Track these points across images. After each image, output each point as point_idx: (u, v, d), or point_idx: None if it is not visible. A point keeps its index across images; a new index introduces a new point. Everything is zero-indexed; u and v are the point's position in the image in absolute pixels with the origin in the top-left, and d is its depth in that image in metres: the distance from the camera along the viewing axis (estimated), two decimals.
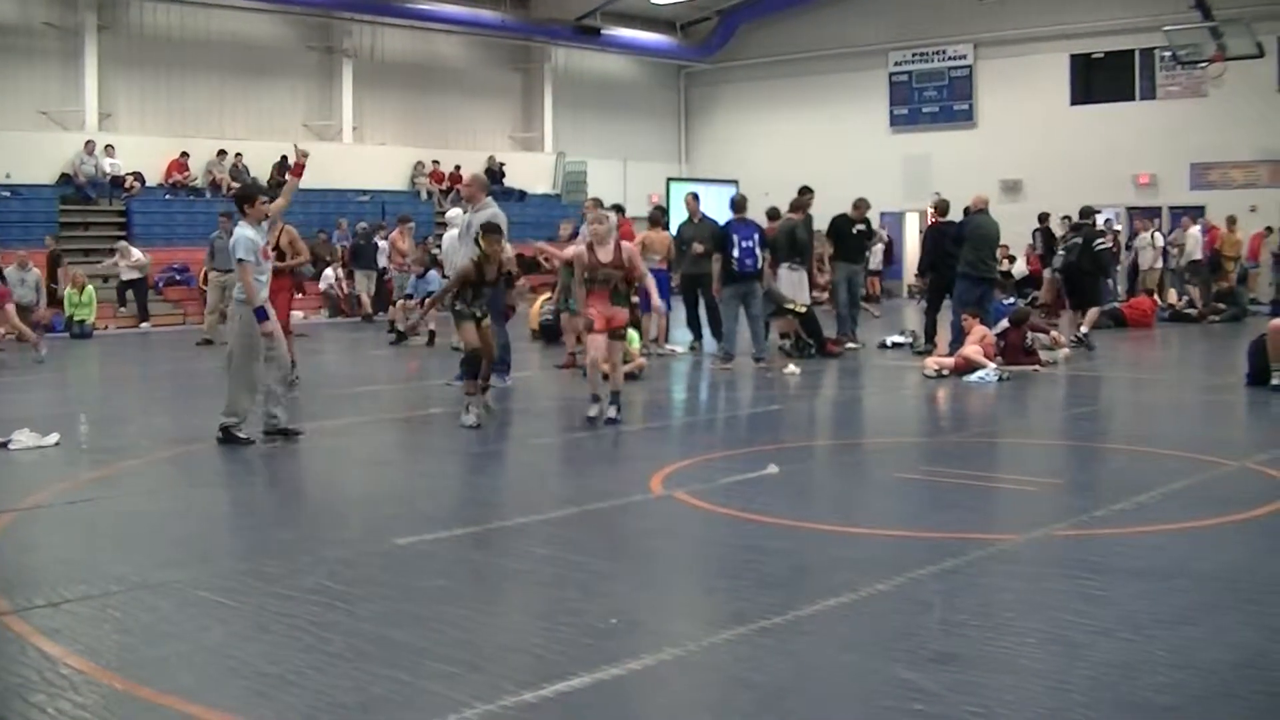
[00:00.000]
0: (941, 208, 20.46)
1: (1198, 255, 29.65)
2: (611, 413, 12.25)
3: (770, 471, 9.56)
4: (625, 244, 12.38)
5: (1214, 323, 26.87)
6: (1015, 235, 28.58)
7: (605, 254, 12.18)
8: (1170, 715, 4.83)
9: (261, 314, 11.20)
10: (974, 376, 15.97)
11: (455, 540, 7.79)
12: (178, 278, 29.82)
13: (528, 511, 8.52)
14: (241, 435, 11.27)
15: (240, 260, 11.21)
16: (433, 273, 22.72)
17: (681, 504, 8.79)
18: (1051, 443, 11.85)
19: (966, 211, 19.34)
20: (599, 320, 12.17)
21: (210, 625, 6.05)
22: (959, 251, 18.70)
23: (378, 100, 36.46)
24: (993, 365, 16.23)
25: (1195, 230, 30.22)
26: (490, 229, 12.54)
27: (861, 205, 21.25)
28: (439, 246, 22.68)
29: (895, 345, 20.61)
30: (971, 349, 16.53)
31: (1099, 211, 27.42)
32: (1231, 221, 30.91)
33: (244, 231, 11.32)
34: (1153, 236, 30.15)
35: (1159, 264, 30.01)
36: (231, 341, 11.53)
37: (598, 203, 19.15)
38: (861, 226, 21.26)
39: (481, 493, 9.91)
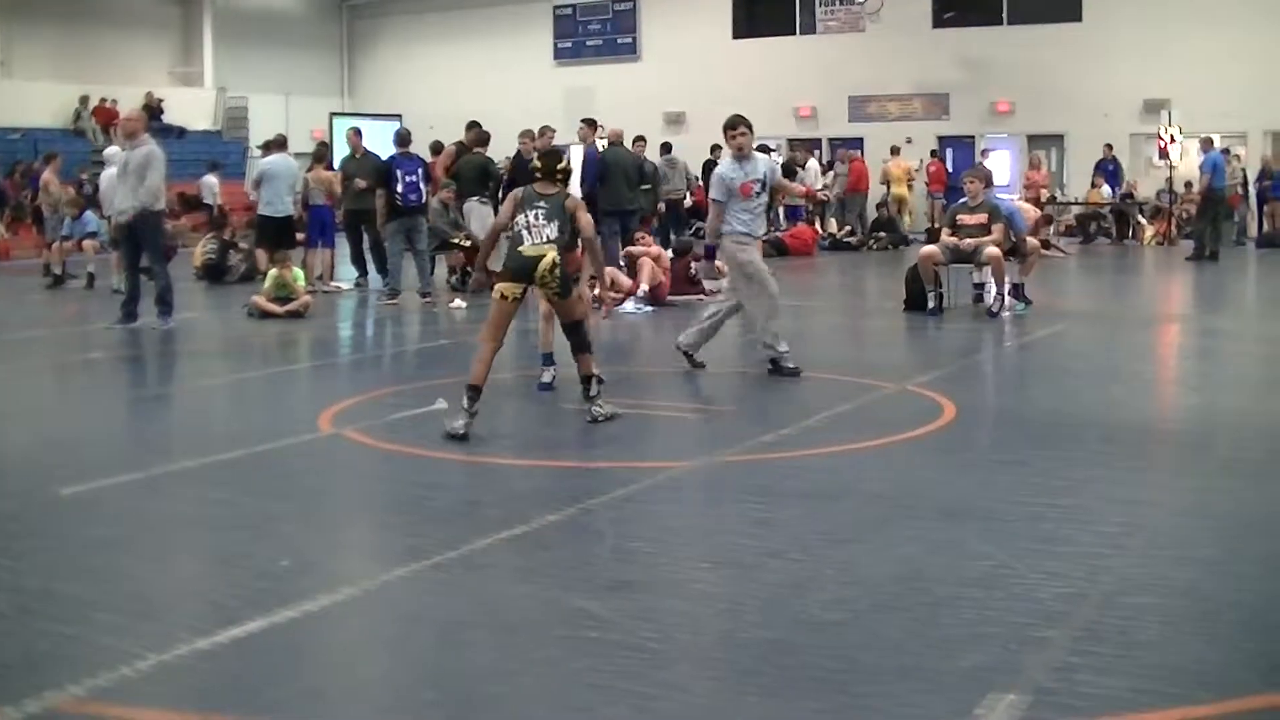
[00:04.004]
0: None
1: (818, 186, 30.76)
2: (547, 377, 10.75)
3: (439, 407, 9.57)
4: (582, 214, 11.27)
5: (873, 250, 27.93)
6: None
7: None
8: (839, 630, 5.06)
9: None
10: (623, 308, 16.30)
11: (122, 487, 7.58)
12: None
13: (195, 455, 8.33)
14: None
15: None
16: (89, 213, 21.89)
17: (351, 442, 8.75)
18: (721, 371, 12.16)
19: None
20: None
21: None
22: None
23: (29, 32, 34.72)
24: (640, 291, 16.58)
25: (813, 163, 31.31)
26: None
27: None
28: (94, 185, 21.86)
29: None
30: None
31: (772, 148, 28.24)
32: (895, 151, 32.06)
33: None
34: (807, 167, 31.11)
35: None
36: None
37: (591, 124, 19.48)
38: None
39: (147, 438, 9.65)
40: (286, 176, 19.59)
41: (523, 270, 8.91)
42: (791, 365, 11.17)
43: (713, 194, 11.38)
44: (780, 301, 11.41)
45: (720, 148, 22.55)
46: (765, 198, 11.48)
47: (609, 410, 9.14)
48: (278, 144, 20.42)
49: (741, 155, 11.26)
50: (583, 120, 20.15)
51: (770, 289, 11.31)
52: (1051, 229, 28.08)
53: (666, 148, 27.84)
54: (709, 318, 11.73)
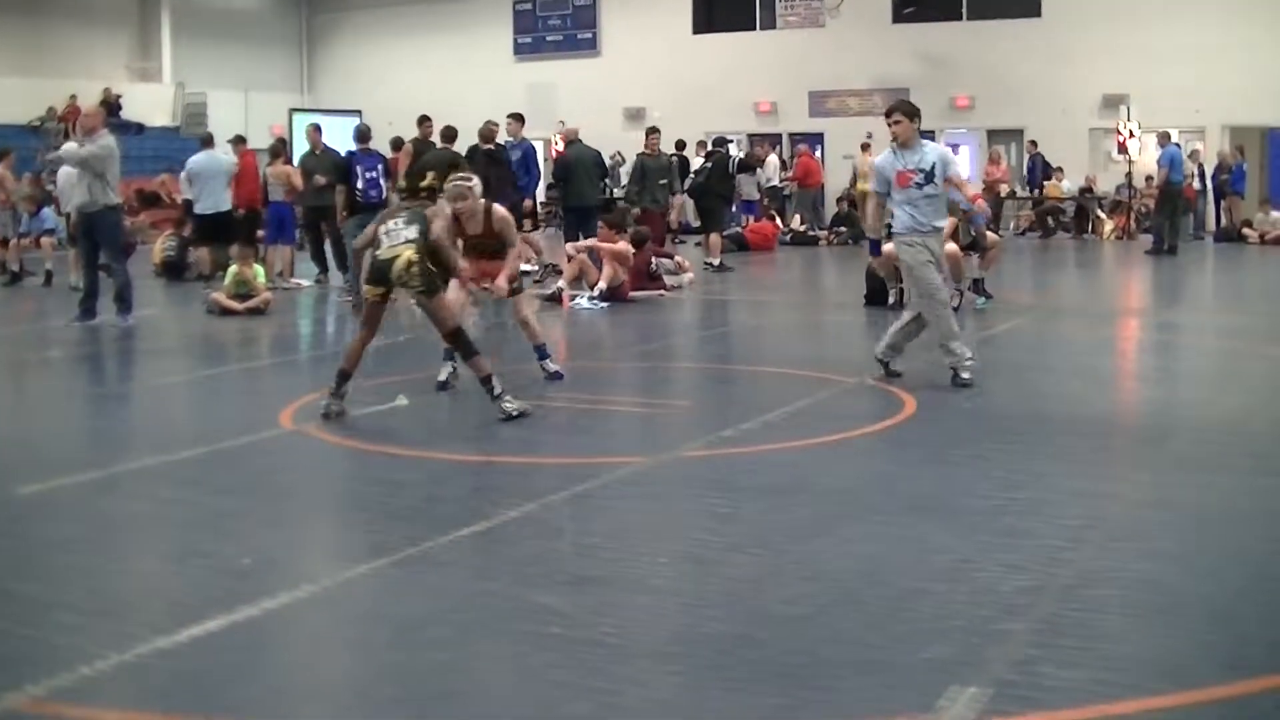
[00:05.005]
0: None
1: (775, 182, 30.86)
2: (550, 366, 10.79)
3: (399, 404, 9.58)
4: (498, 211, 10.69)
5: (833, 245, 28.02)
6: None
7: (474, 225, 10.49)
8: (801, 624, 5.08)
9: None
10: (578, 300, 16.32)
11: (80, 486, 7.53)
12: None
13: (155, 453, 8.30)
14: None
15: None
16: (46, 210, 21.75)
17: (312, 439, 8.73)
18: (679, 365, 12.18)
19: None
20: (470, 269, 10.56)
21: None
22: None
23: None
24: (597, 289, 16.57)
25: (773, 158, 31.43)
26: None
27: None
28: (53, 183, 21.71)
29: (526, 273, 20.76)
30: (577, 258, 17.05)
31: (731, 140, 28.33)
32: (865, 147, 32.12)
33: None
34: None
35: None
36: None
37: (518, 118, 19.54)
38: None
39: (106, 436, 9.59)
40: (216, 173, 19.54)
41: (380, 273, 9.12)
42: (966, 377, 10.24)
43: (870, 185, 11.13)
44: (947, 310, 10.49)
45: (685, 144, 22.72)
46: (933, 189, 10.30)
47: (519, 406, 9.14)
48: (205, 141, 20.41)
49: (902, 144, 10.38)
50: (509, 115, 20.15)
51: (936, 296, 10.40)
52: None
53: (719, 141, 27.05)
54: (900, 327, 10.78)
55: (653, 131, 22.25)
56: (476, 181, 10.52)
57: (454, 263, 9.97)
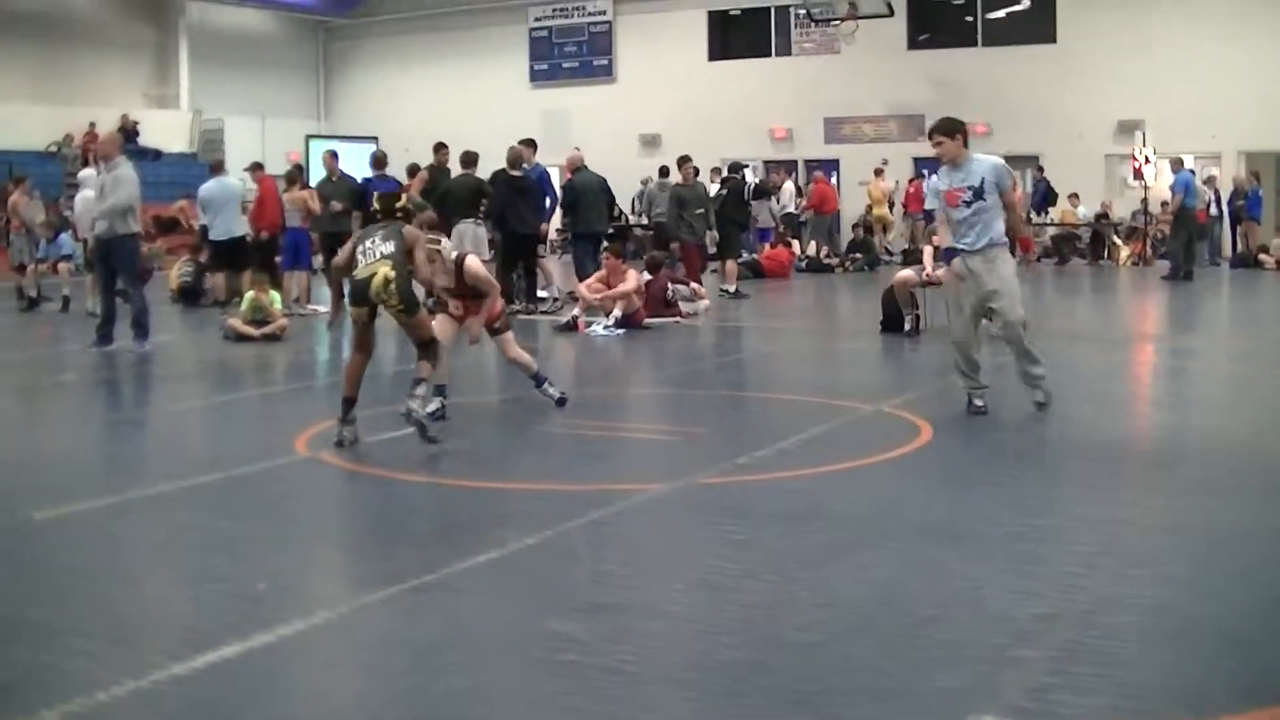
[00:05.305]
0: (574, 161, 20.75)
1: (791, 209, 30.84)
2: (551, 390, 10.67)
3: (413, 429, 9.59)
4: (469, 266, 10.61)
5: (849, 271, 28.02)
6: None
7: (445, 279, 10.50)
8: (815, 651, 5.05)
9: None
10: (593, 328, 16.34)
11: (96, 511, 7.55)
12: None
13: (170, 478, 8.31)
14: None
15: None
16: (64, 235, 21.85)
17: (327, 465, 8.73)
18: (695, 392, 12.15)
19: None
20: (457, 305, 10.66)
21: None
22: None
23: (2, 55, 34.60)
24: (612, 318, 16.58)
25: (788, 185, 31.49)
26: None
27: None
28: (70, 209, 21.83)
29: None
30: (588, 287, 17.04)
31: (747, 166, 28.32)
32: (879, 173, 32.19)
33: None
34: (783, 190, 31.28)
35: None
36: None
37: (530, 144, 19.44)
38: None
39: (121, 461, 9.63)
40: (228, 199, 19.61)
41: (359, 293, 9.06)
42: (980, 404, 10.16)
43: (927, 204, 10.97)
44: (963, 341, 10.21)
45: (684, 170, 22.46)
46: (983, 205, 9.89)
47: (422, 413, 9.04)
48: (215, 167, 20.49)
49: (949, 163, 10.08)
50: (521, 141, 20.04)
51: (954, 324, 10.31)
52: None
53: (734, 168, 26.80)
54: (1016, 361, 10.37)
55: (685, 161, 21.98)
56: (446, 243, 10.64)
57: (430, 283, 10.00)
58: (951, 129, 10.06)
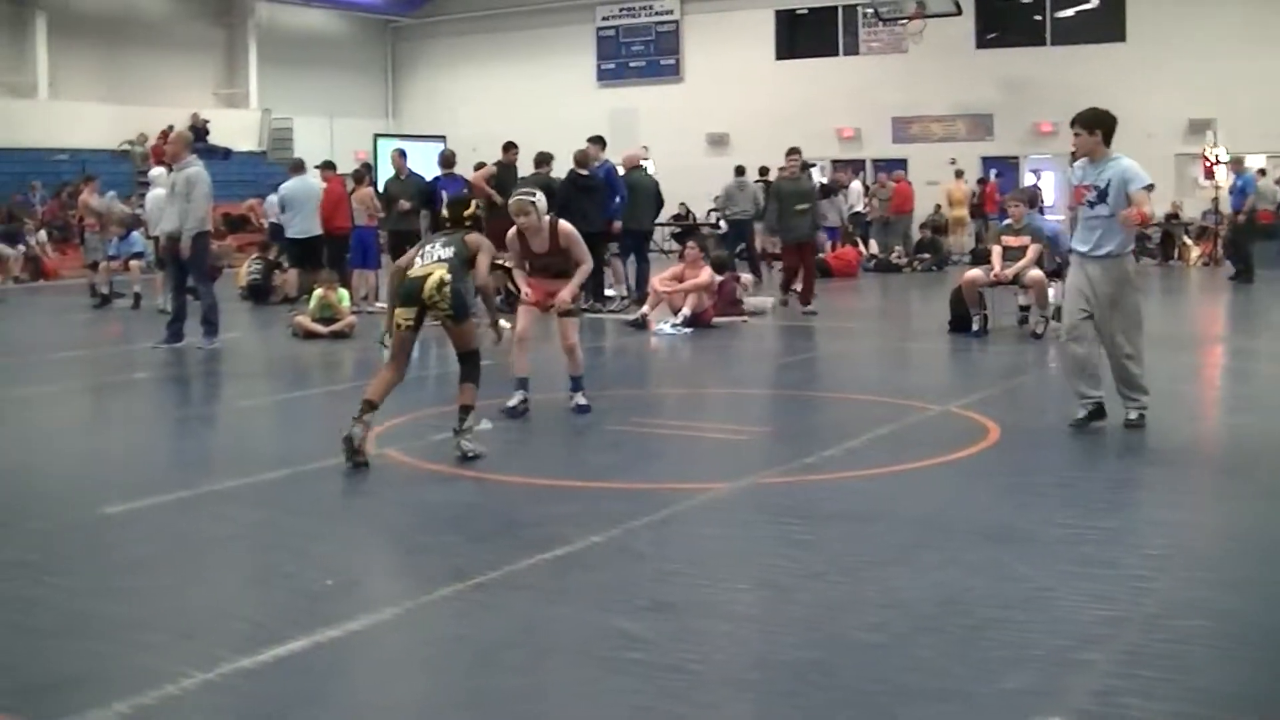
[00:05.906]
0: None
1: (859, 208, 30.53)
2: (580, 400, 10.58)
3: (483, 427, 9.58)
4: (564, 227, 10.51)
5: (917, 271, 27.89)
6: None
7: (540, 243, 10.45)
8: (879, 651, 5.04)
9: None
10: (661, 327, 16.33)
11: (165, 507, 7.63)
12: None
13: (237, 475, 8.39)
14: None
15: None
16: (135, 233, 22.07)
17: (394, 462, 8.77)
18: (761, 392, 12.14)
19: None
20: (536, 292, 10.63)
21: None
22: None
23: (75, 55, 34.99)
24: (681, 315, 16.56)
25: (855, 184, 31.24)
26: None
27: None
28: (141, 206, 22.03)
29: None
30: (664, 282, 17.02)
31: (814, 165, 28.19)
32: (959, 174, 31.97)
33: None
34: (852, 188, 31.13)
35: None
36: None
37: (793, 151, 19.57)
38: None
39: (190, 457, 9.70)
40: (308, 198, 19.71)
41: (410, 293, 8.73)
42: (1081, 415, 9.48)
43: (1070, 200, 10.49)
44: (1072, 350, 9.65)
45: (778, 168, 22.12)
46: (1105, 210, 9.22)
47: (476, 449, 8.76)
48: (296, 167, 20.57)
49: (1086, 156, 9.48)
50: (589, 139, 19.90)
51: (1064, 325, 9.77)
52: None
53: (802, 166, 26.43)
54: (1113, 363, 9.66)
55: (793, 152, 20.30)
56: (540, 196, 10.39)
57: (491, 302, 9.53)
58: (1091, 121, 9.38)
